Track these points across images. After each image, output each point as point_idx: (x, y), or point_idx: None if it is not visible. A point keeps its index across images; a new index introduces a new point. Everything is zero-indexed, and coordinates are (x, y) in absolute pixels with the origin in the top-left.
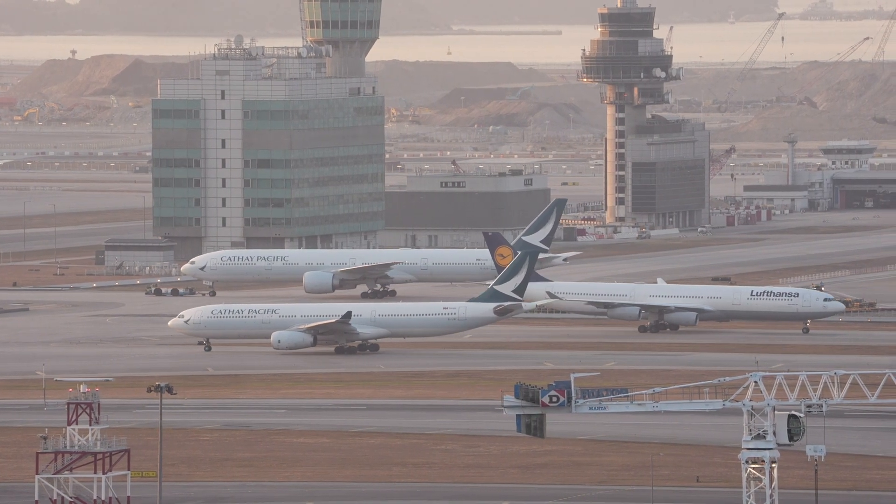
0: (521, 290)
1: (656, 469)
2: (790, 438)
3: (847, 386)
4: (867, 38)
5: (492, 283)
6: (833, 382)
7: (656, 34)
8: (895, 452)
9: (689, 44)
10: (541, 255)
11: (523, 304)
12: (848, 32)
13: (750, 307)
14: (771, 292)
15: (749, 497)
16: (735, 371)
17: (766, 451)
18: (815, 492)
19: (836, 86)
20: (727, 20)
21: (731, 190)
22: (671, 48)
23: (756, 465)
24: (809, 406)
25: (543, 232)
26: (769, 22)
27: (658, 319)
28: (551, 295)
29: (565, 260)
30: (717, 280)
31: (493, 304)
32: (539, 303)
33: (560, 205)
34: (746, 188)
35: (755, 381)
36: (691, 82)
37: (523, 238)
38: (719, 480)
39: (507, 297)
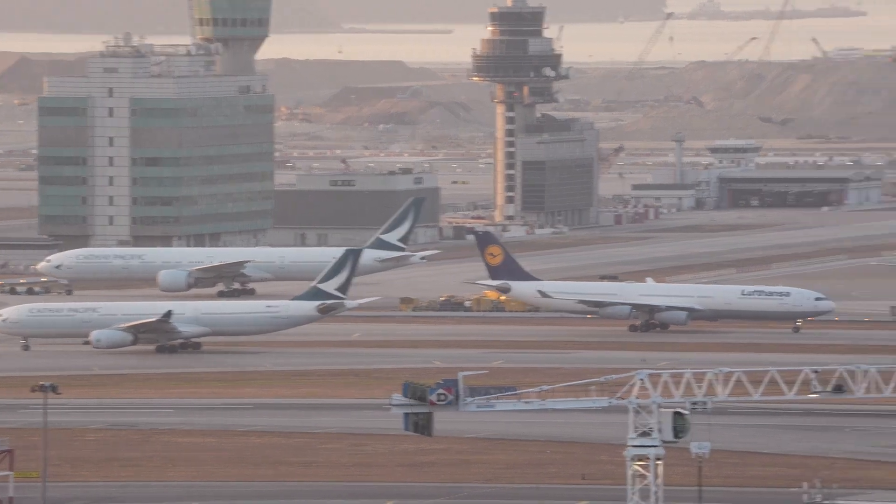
0: (344, 288)
1: (543, 467)
2: (675, 435)
3: (731, 383)
4: (754, 38)
5: (314, 282)
6: (718, 380)
7: (546, 33)
8: (778, 449)
9: (578, 43)
10: (399, 254)
11: (346, 302)
12: (735, 32)
13: (741, 306)
14: (762, 291)
15: (634, 494)
16: (622, 369)
17: (652, 449)
18: (698, 488)
19: (724, 85)
20: (616, 20)
21: (620, 188)
22: (561, 47)
23: (641, 463)
24: (694, 403)
25: (401, 230)
26: (658, 22)
27: (648, 318)
28: (543, 294)
29: (423, 259)
30: (605, 278)
31: (317, 303)
32: (362, 301)
33: (417, 203)
34: (635, 187)
35: (641, 379)
36: (581, 81)
37: (380, 236)
38: (605, 478)
39: (330, 296)
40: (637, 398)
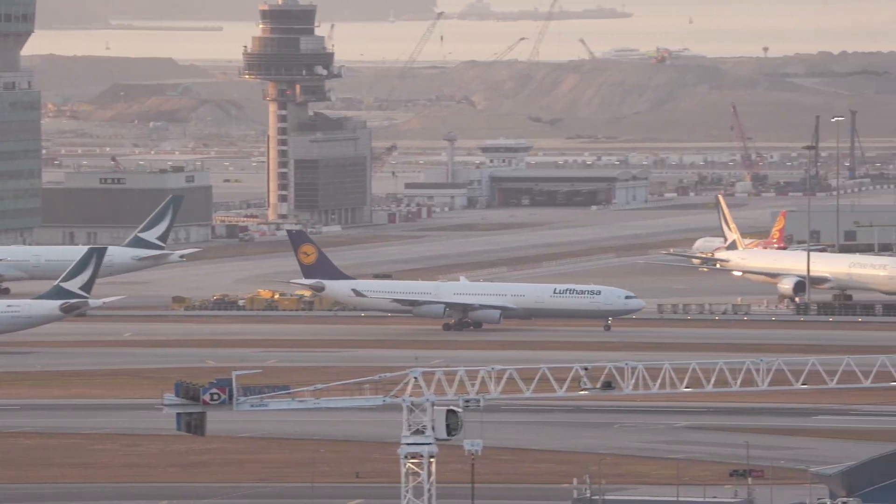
0: (88, 287)
1: (317, 465)
2: (448, 433)
3: (504, 381)
4: (523, 39)
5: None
6: (490, 377)
7: (318, 32)
8: (549, 445)
9: (350, 42)
10: (157, 253)
11: (91, 301)
12: (504, 32)
13: (553, 305)
14: (574, 290)
15: (408, 492)
16: (396, 368)
17: (425, 447)
18: (471, 485)
19: (494, 85)
20: (387, 19)
21: (393, 187)
22: (333, 46)
23: (415, 461)
24: (467, 401)
25: (160, 229)
26: (428, 21)
27: (462, 317)
28: (357, 293)
29: (182, 257)
30: (378, 276)
31: (60, 302)
32: (107, 300)
33: (176, 201)
34: (407, 185)
35: (415, 378)
36: (353, 80)
37: (139, 235)
38: (379, 476)
39: (74, 295)
40: (411, 396)
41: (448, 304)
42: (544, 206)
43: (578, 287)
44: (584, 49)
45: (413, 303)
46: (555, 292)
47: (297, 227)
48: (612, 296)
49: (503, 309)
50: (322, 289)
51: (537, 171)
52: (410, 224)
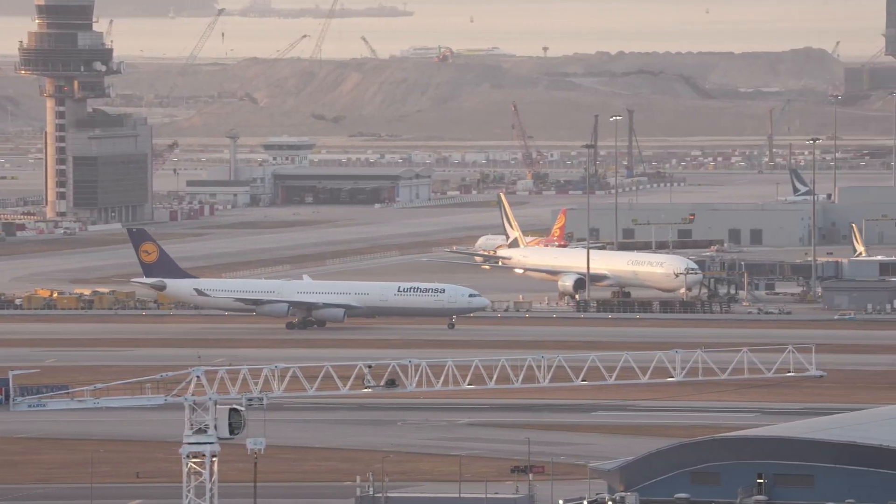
0: None
1: (97, 466)
2: (231, 432)
3: (287, 379)
4: (305, 36)
5: None
6: (274, 376)
7: (96, 27)
8: (333, 443)
9: (129, 38)
10: None
11: None
12: (287, 30)
13: (397, 303)
14: (417, 288)
15: (189, 491)
16: (179, 366)
17: (207, 446)
18: (254, 484)
19: (277, 82)
20: (167, 15)
21: (175, 185)
22: (111, 42)
23: (197, 460)
24: (250, 399)
25: None
26: (209, 18)
27: (306, 316)
28: (199, 292)
29: None
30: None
31: None
32: None
33: None
34: (189, 183)
35: (197, 377)
36: (133, 77)
37: None
38: (161, 475)
39: None
40: (193, 395)
41: (292, 303)
42: (328, 203)
43: (423, 285)
44: (365, 47)
45: (256, 302)
46: (399, 290)
47: (138, 226)
48: (456, 294)
49: (347, 307)
50: (163, 287)
51: (321, 169)
52: (192, 222)
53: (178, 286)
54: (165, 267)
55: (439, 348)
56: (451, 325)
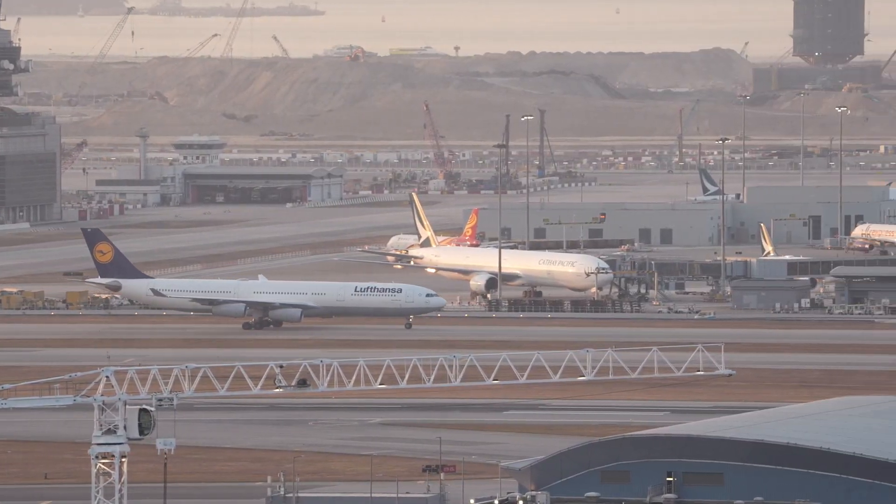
0: None
1: (4, 467)
2: (141, 432)
3: (198, 379)
4: (216, 35)
5: None
6: (185, 376)
7: (3, 25)
8: (244, 443)
9: (38, 36)
10: None
11: None
12: (197, 28)
13: (354, 303)
14: (374, 288)
15: (98, 492)
16: (88, 366)
17: (117, 446)
18: (164, 485)
19: (187, 81)
20: (76, 13)
21: (84, 184)
22: (19, 40)
23: (106, 460)
24: (160, 400)
25: None
26: (119, 16)
27: (262, 316)
28: (156, 292)
29: None
30: (68, 275)
31: None
32: None
33: None
34: (99, 182)
35: (107, 377)
36: (41, 75)
37: None
38: (69, 476)
39: None
40: (102, 395)
41: (248, 303)
42: (239, 203)
43: (380, 285)
44: (276, 46)
45: (213, 302)
46: (356, 290)
47: (92, 226)
48: (413, 294)
49: (304, 307)
50: (118, 288)
51: (232, 169)
52: (102, 221)
53: (134, 286)
54: (120, 267)
55: (351, 348)
56: (409, 325)
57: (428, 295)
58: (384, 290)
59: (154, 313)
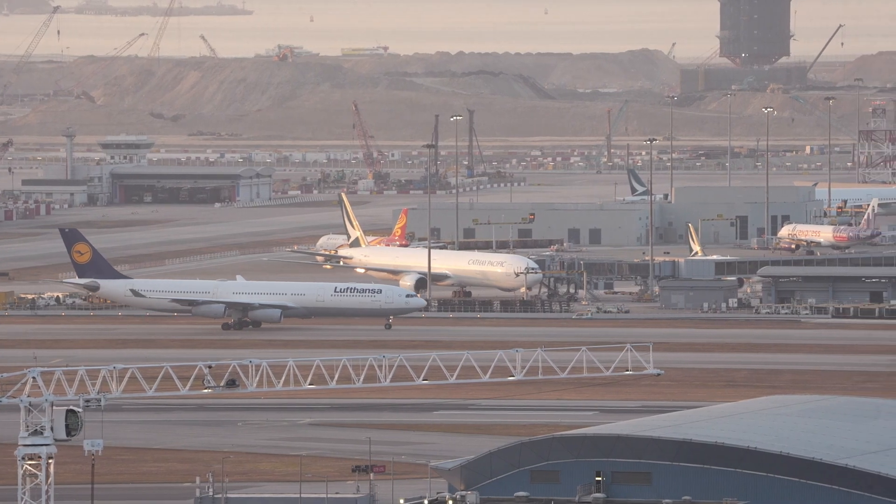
0: None
1: None
2: (68, 433)
3: (126, 379)
4: (143, 34)
5: None
6: (112, 376)
7: None
8: (172, 444)
9: None
10: None
11: None
12: (124, 27)
13: (334, 303)
14: (354, 289)
15: (25, 493)
16: (14, 367)
17: (43, 447)
18: (91, 486)
19: (114, 80)
20: (1, 12)
21: (10, 184)
22: None
23: (33, 462)
24: (88, 401)
25: None
26: (44, 15)
27: (242, 316)
28: (135, 293)
29: None
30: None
31: None
32: None
33: None
34: (25, 182)
35: (33, 377)
36: None
37: None
38: None
39: None
40: (29, 396)
41: (228, 304)
42: (167, 203)
43: (359, 286)
44: (204, 45)
45: (192, 302)
46: (335, 291)
47: (70, 227)
48: (392, 294)
49: (283, 308)
50: (97, 288)
51: (160, 168)
52: (28, 221)
53: (113, 287)
54: (99, 267)
55: (282, 348)
56: (388, 326)
57: (408, 296)
58: (364, 290)
59: (80, 314)
